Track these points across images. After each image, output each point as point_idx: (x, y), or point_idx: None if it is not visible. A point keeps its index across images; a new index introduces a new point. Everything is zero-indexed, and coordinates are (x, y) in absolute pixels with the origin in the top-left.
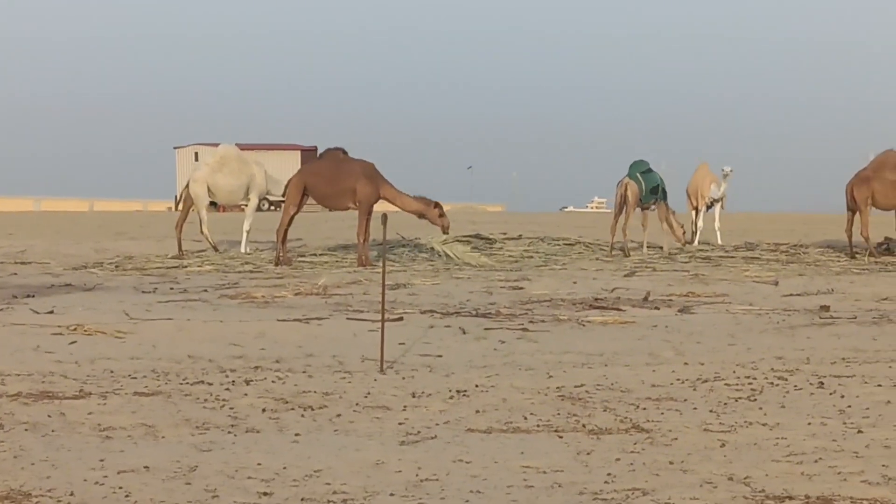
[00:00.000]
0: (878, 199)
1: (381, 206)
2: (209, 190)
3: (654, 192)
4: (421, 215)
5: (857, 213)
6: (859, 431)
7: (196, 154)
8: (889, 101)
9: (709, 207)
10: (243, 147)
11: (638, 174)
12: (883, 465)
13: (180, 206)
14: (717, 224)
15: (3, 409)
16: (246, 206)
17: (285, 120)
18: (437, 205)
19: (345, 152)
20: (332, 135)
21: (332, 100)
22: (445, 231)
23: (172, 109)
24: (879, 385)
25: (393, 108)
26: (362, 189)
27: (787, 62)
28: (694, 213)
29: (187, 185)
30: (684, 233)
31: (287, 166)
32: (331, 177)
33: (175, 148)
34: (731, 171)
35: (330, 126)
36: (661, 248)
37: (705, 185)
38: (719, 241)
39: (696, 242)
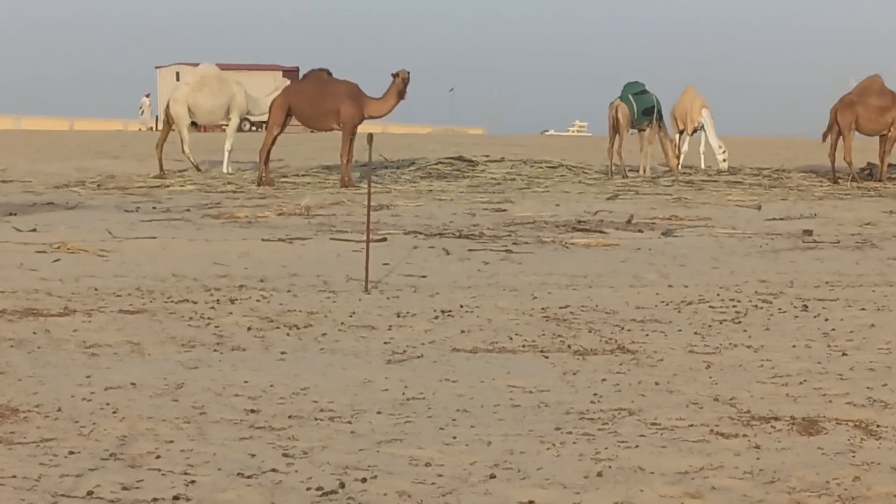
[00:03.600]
0: (861, 124)
1: (365, 128)
2: (189, 110)
3: (647, 114)
4: (402, 96)
5: (841, 138)
6: (844, 354)
7: (177, 74)
8: (872, 27)
9: (695, 131)
10: (224, 67)
11: (630, 96)
12: (867, 388)
13: (159, 126)
14: (702, 148)
15: None
16: (227, 126)
17: (267, 40)
18: (395, 75)
19: (329, 73)
20: (313, 56)
21: (313, 21)
22: (405, 83)
23: (154, 29)
24: (863, 309)
25: (375, 29)
26: (346, 110)
27: None
28: (678, 136)
29: (167, 105)
30: (679, 157)
31: (268, 87)
32: (315, 97)
33: (156, 67)
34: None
35: (311, 47)
36: (645, 170)
37: (695, 108)
38: (703, 165)
39: (679, 167)
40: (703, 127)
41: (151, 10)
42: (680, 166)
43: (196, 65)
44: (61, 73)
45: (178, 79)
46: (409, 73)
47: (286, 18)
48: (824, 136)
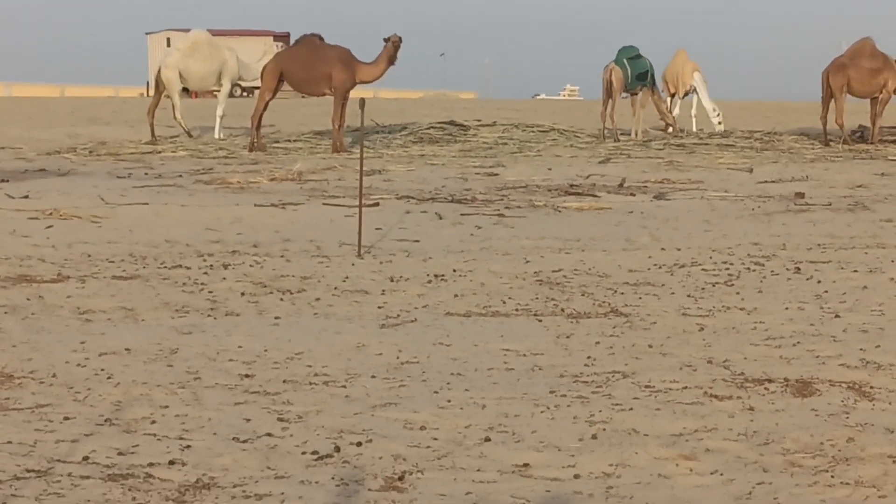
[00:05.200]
0: (853, 86)
1: (357, 92)
2: (181, 75)
3: (641, 79)
4: (392, 61)
5: (833, 101)
6: (836, 316)
7: (168, 40)
8: None
9: (687, 94)
10: (215, 33)
11: (625, 60)
12: (860, 349)
13: (151, 93)
14: (693, 111)
15: None
16: (218, 91)
17: (257, 5)
18: (387, 40)
19: (321, 38)
20: (305, 22)
21: None
22: (397, 45)
23: None
24: (855, 271)
25: None
26: (338, 75)
27: None
28: (669, 99)
29: (159, 71)
30: (674, 119)
31: (259, 53)
32: (307, 62)
33: (147, 34)
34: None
35: (303, 12)
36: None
37: (686, 72)
38: (694, 129)
39: (670, 130)
40: (695, 90)
41: None
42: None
43: (187, 31)
44: (52, 40)
45: (168, 45)
46: (400, 38)
47: None
48: (824, 101)
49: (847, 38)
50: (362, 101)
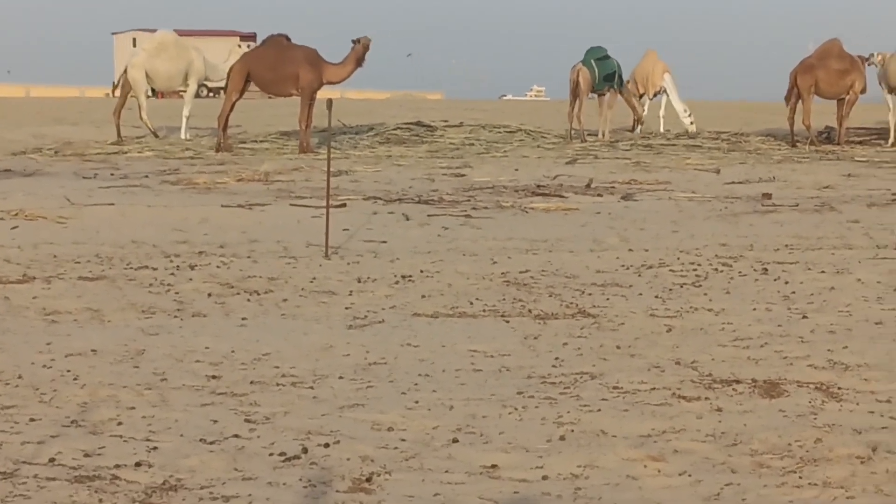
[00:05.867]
0: (822, 87)
1: (324, 93)
2: (147, 76)
3: (608, 79)
4: (360, 63)
5: (800, 101)
6: (804, 317)
7: (134, 40)
8: None
9: (656, 95)
10: (181, 33)
11: (592, 60)
12: (828, 350)
13: (117, 93)
14: (661, 112)
15: None
16: (185, 92)
17: (225, 7)
18: (354, 42)
19: (288, 38)
20: (271, 22)
21: None
22: (365, 49)
23: None
24: (823, 272)
25: None
26: (305, 75)
27: None
28: (638, 100)
29: (125, 71)
30: (642, 113)
31: (225, 53)
32: (273, 63)
33: (113, 34)
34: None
35: (269, 13)
36: (602, 134)
37: (657, 73)
38: (662, 130)
39: (638, 130)
40: (664, 91)
41: None
42: (640, 130)
43: (153, 31)
44: (17, 40)
45: (134, 45)
46: (370, 40)
47: None
48: (787, 100)
49: (815, 38)
50: (329, 102)
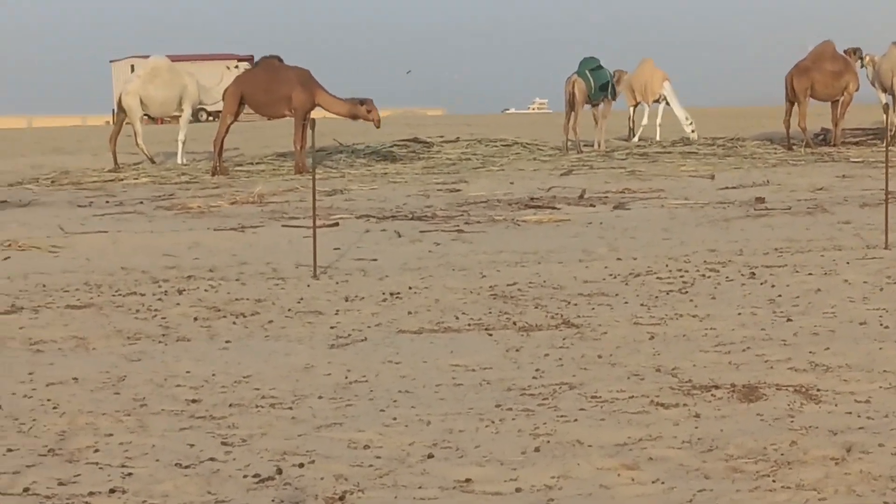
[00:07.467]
0: (817, 89)
1: (316, 114)
2: (142, 102)
3: (603, 90)
4: (354, 116)
5: (796, 104)
6: (788, 320)
7: (132, 67)
8: None
9: (657, 102)
10: (176, 59)
11: (587, 71)
12: (810, 352)
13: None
14: (658, 120)
15: None
16: (180, 117)
17: (226, 30)
18: (363, 102)
19: (280, 60)
20: (268, 43)
21: (267, 8)
22: (377, 125)
23: (108, 23)
24: (810, 274)
25: (329, 12)
26: (298, 96)
27: None
28: (633, 109)
29: (120, 98)
30: (636, 130)
31: (218, 76)
32: (267, 85)
33: (111, 61)
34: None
35: (266, 34)
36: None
37: (656, 81)
38: (658, 138)
39: (635, 139)
40: (665, 99)
41: (105, 4)
42: (637, 138)
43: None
44: (18, 72)
45: (132, 71)
46: (373, 110)
47: (242, 6)
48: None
49: (809, 40)
50: (312, 122)
